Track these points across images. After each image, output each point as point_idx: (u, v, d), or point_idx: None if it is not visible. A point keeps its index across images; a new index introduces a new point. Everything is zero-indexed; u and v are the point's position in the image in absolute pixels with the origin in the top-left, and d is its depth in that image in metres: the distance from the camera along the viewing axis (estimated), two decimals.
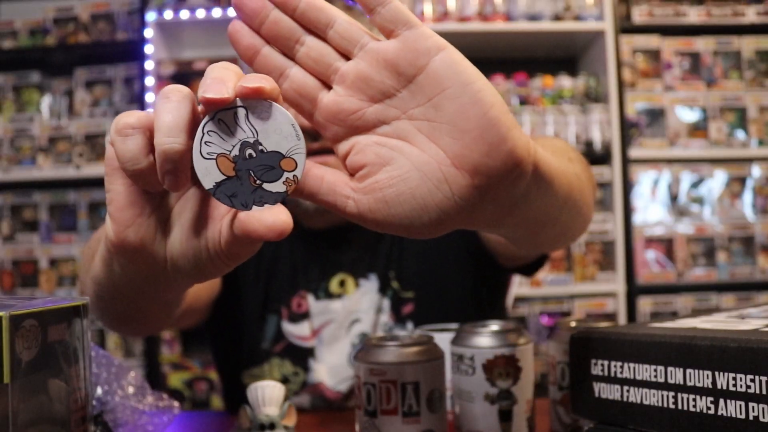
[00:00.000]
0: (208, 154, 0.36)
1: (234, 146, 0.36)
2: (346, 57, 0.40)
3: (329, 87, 0.40)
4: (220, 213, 0.40)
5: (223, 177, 0.36)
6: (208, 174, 0.36)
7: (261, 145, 0.36)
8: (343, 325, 0.93)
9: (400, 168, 0.39)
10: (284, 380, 0.92)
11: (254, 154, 0.36)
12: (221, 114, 0.36)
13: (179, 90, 0.37)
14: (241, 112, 0.36)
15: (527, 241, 0.61)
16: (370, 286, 0.94)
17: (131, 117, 0.37)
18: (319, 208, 0.87)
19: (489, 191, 0.39)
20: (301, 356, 0.93)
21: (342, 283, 0.94)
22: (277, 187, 0.37)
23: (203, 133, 0.36)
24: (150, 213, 0.40)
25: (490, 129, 0.37)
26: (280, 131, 0.36)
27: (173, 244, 0.41)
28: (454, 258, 0.96)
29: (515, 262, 0.95)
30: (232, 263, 0.40)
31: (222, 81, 0.35)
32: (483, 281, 0.98)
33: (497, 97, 0.38)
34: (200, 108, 0.37)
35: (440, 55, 0.38)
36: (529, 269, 0.97)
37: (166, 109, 0.36)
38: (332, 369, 0.92)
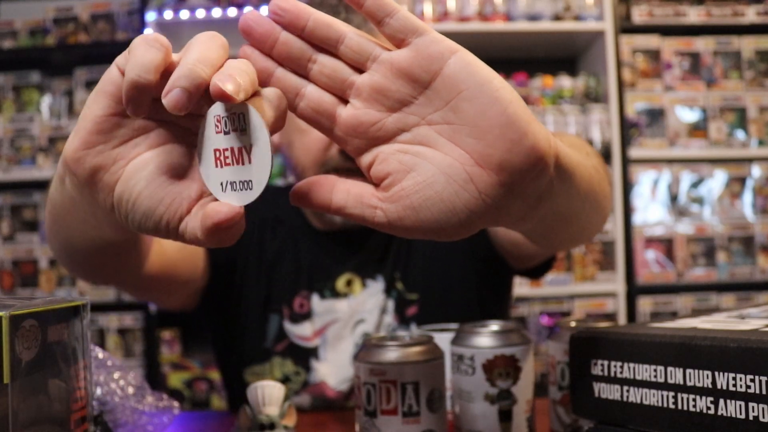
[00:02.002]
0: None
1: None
2: (359, 70, 0.40)
3: (346, 102, 0.41)
4: (189, 195, 0.40)
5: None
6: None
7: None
8: (348, 324, 0.93)
9: (424, 173, 0.39)
10: (285, 379, 0.92)
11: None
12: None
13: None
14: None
15: (548, 237, 0.60)
16: (377, 287, 0.94)
17: (163, 38, 0.38)
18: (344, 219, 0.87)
19: (515, 187, 0.39)
20: (303, 356, 0.93)
21: (349, 283, 0.94)
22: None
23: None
24: (114, 146, 0.40)
25: (511, 126, 0.38)
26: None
27: (130, 185, 0.40)
28: (460, 261, 0.96)
29: (525, 264, 0.95)
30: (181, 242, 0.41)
31: (238, 83, 0.36)
32: (488, 284, 0.98)
33: (514, 94, 0.38)
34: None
35: (453, 58, 0.38)
36: (536, 272, 0.97)
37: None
38: (335, 368, 0.92)
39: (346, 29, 0.39)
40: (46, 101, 2.35)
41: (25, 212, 2.33)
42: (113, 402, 0.60)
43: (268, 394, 0.62)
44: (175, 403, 0.67)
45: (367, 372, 0.55)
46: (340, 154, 0.83)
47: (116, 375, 0.62)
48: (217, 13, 2.21)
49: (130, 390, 0.62)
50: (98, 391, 0.60)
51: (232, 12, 2.21)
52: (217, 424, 0.84)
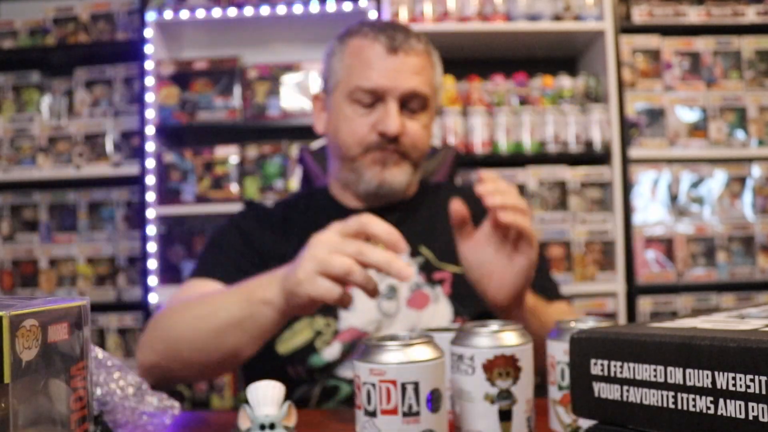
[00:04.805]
0: None
1: None
2: None
3: None
4: None
5: None
6: None
7: None
8: (374, 275, 0.95)
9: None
10: (317, 334, 0.99)
11: None
12: None
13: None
14: None
15: (520, 320, 0.88)
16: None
17: (409, 270, 0.74)
18: (380, 190, 1.06)
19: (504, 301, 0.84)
20: (331, 308, 0.98)
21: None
22: None
23: None
24: None
25: (517, 289, 0.85)
26: None
27: None
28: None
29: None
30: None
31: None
32: None
33: (532, 272, 0.81)
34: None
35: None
36: None
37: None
38: (361, 313, 1.00)
39: None
40: (46, 101, 2.35)
41: (25, 212, 2.33)
42: (113, 402, 0.60)
43: (268, 394, 0.62)
44: (175, 403, 0.67)
45: (367, 372, 0.55)
46: (380, 136, 1.02)
47: (116, 375, 0.62)
48: (217, 13, 2.21)
49: (130, 390, 0.62)
50: (98, 391, 0.60)
51: (232, 12, 2.21)
52: (217, 424, 0.84)
